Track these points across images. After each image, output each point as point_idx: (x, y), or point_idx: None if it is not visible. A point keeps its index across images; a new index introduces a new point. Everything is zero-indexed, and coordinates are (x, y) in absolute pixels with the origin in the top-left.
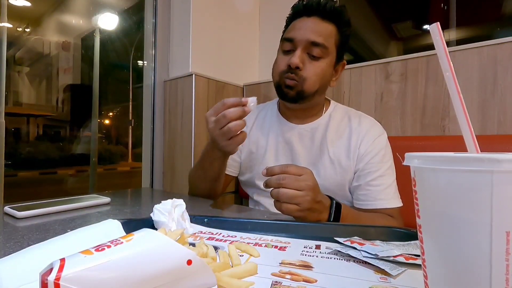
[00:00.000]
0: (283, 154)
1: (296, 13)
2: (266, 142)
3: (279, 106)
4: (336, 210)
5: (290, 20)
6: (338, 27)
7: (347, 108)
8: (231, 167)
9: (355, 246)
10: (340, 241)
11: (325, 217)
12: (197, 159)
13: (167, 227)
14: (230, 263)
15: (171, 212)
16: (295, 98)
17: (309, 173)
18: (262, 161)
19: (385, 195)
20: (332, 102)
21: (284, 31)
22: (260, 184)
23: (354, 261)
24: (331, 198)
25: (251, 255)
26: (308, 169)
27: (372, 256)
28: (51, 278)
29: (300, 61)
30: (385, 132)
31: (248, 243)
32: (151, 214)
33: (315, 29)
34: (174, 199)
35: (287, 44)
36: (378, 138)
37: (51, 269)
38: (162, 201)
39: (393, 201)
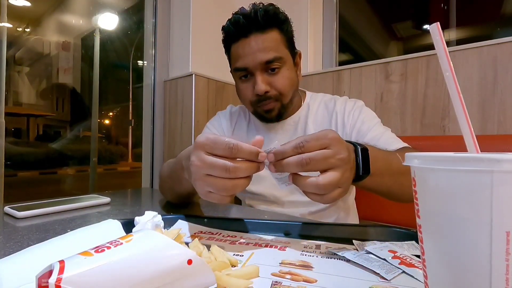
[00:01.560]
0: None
1: (232, 36)
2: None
3: None
4: (363, 161)
5: (227, 43)
6: (278, 28)
7: (322, 95)
8: None
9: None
10: (356, 246)
11: (353, 173)
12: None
13: None
14: (228, 261)
15: (145, 224)
16: (279, 115)
17: (333, 137)
18: None
19: (383, 142)
20: (307, 92)
21: (227, 53)
22: (251, 188)
23: (353, 261)
24: (354, 145)
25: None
26: (328, 130)
27: (370, 258)
28: (52, 280)
29: (266, 84)
30: (358, 100)
31: (248, 243)
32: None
33: (262, 47)
34: (154, 213)
35: (242, 72)
36: (354, 107)
37: (50, 272)
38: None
39: (394, 144)
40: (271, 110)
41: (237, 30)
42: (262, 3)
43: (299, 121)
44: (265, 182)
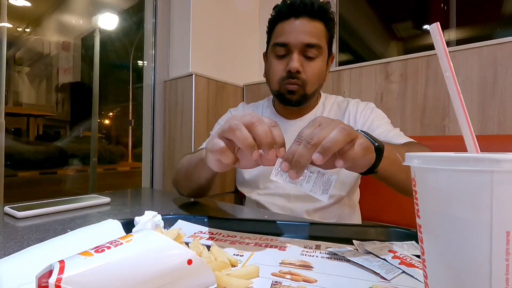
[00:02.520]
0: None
1: (282, 15)
2: None
3: (274, 104)
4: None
5: (275, 21)
6: (325, 24)
7: (335, 97)
8: None
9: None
10: (356, 246)
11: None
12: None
13: None
14: (228, 261)
15: (145, 224)
16: (298, 101)
17: (320, 118)
18: None
19: (391, 137)
20: (322, 93)
21: (268, 33)
22: (264, 183)
23: (353, 261)
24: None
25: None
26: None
27: (370, 258)
28: (52, 280)
29: (300, 64)
30: (370, 102)
31: (248, 243)
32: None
33: (308, 30)
34: (154, 213)
35: (281, 49)
36: (366, 107)
37: (50, 272)
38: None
39: (401, 138)
40: (294, 92)
41: (290, 9)
42: None
43: None
44: None
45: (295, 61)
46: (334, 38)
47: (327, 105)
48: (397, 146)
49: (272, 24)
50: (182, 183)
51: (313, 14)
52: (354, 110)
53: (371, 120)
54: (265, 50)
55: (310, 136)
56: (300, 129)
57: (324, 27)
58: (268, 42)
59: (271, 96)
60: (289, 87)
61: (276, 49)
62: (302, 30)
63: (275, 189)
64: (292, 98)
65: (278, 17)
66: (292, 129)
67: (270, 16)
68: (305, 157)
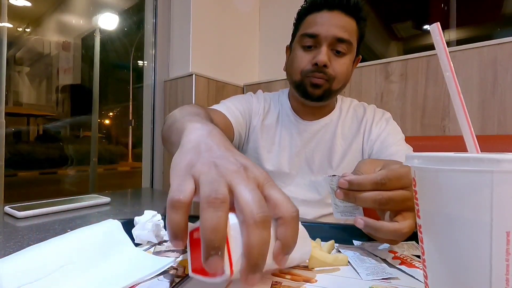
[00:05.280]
0: (297, 152)
1: (315, 6)
2: (279, 139)
3: (290, 101)
4: None
5: (306, 12)
6: (357, 22)
7: (350, 100)
8: (239, 127)
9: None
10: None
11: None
12: None
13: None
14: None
15: (145, 224)
16: (321, 97)
17: (405, 173)
18: (276, 156)
19: (402, 157)
20: (338, 96)
21: (296, 24)
22: (279, 183)
23: (353, 261)
24: None
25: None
26: (400, 164)
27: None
28: None
29: (328, 59)
30: (386, 112)
31: None
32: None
33: (340, 24)
34: (153, 212)
35: (309, 40)
36: (383, 118)
37: None
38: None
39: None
40: (319, 86)
41: (325, 1)
42: None
43: (330, 124)
44: (292, 182)
45: (324, 54)
46: (363, 39)
47: (344, 109)
48: None
49: (302, 15)
50: (165, 143)
51: (347, 10)
52: (371, 119)
53: (387, 133)
54: (289, 43)
55: (388, 199)
56: (315, 133)
57: (356, 25)
58: (294, 34)
59: (287, 90)
60: (315, 80)
61: (304, 39)
62: (334, 23)
63: (287, 193)
64: (315, 92)
65: (310, 8)
66: (308, 131)
67: (300, 8)
68: (366, 203)
